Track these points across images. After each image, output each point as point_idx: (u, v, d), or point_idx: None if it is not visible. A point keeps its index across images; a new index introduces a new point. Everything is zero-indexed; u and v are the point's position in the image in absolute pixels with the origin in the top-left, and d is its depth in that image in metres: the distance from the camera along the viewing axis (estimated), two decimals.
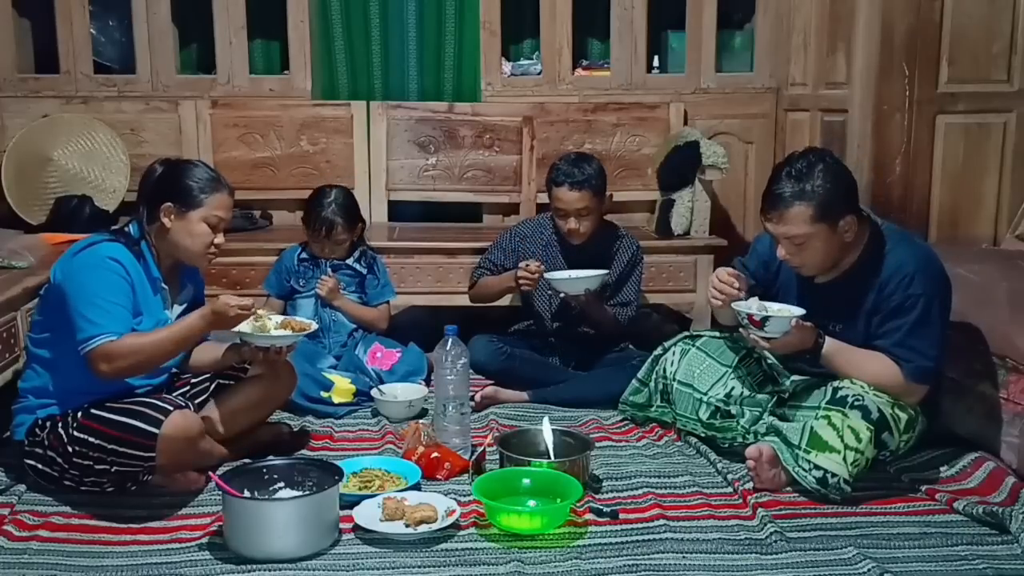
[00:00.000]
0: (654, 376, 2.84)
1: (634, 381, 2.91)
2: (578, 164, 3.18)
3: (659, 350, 2.86)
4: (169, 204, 2.40)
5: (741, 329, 2.47)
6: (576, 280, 3.07)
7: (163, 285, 2.45)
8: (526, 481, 2.33)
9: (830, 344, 2.44)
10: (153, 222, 2.42)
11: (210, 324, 2.37)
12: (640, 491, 2.42)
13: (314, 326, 2.62)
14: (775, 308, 2.44)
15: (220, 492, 2.09)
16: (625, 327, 3.32)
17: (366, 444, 2.79)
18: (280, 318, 2.59)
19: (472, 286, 3.42)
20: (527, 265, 3.13)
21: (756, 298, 2.47)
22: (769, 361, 2.69)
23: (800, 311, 2.41)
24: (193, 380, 2.60)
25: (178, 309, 2.51)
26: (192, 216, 2.40)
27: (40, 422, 2.35)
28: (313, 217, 3.31)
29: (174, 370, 2.58)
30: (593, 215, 3.21)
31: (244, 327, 2.44)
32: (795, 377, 2.67)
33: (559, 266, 3.31)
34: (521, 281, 3.14)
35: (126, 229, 2.45)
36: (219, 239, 2.45)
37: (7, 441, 2.49)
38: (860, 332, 2.47)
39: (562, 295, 3.13)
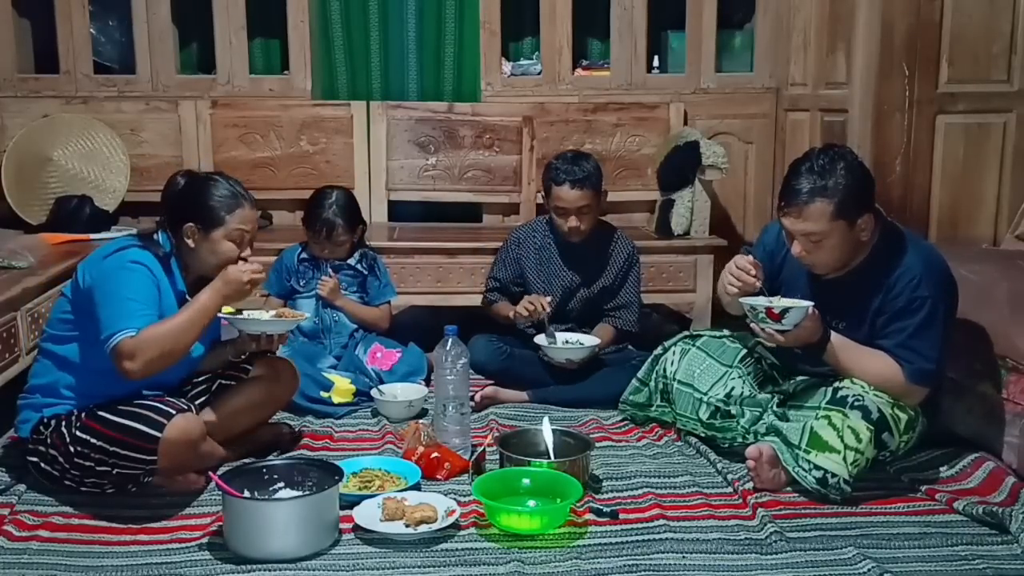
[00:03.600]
0: (654, 376, 2.84)
1: (634, 381, 2.91)
2: (577, 162, 3.21)
3: (659, 350, 2.86)
4: (191, 224, 2.39)
5: (750, 323, 2.46)
6: (560, 349, 3.10)
7: (187, 298, 2.43)
8: (526, 481, 2.33)
9: (835, 338, 2.44)
10: (178, 239, 2.42)
11: (224, 296, 2.34)
12: (640, 491, 2.42)
13: (305, 315, 2.63)
14: (777, 301, 2.43)
15: (220, 492, 2.09)
16: (634, 329, 3.33)
17: (366, 444, 2.79)
18: (274, 311, 2.60)
19: (487, 308, 3.42)
20: (531, 300, 3.14)
21: (779, 296, 2.47)
22: (769, 361, 2.69)
23: (809, 303, 2.40)
24: (194, 380, 2.59)
25: None
26: (215, 236, 2.38)
27: (45, 420, 2.35)
28: (313, 218, 3.30)
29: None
30: (593, 212, 3.23)
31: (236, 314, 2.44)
32: (796, 377, 2.67)
33: (555, 268, 3.32)
34: (521, 313, 3.15)
35: (155, 237, 2.44)
36: (246, 253, 2.42)
37: (9, 440, 2.48)
38: (864, 331, 2.47)
39: (546, 359, 3.14)
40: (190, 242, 2.39)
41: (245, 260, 2.42)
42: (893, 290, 2.40)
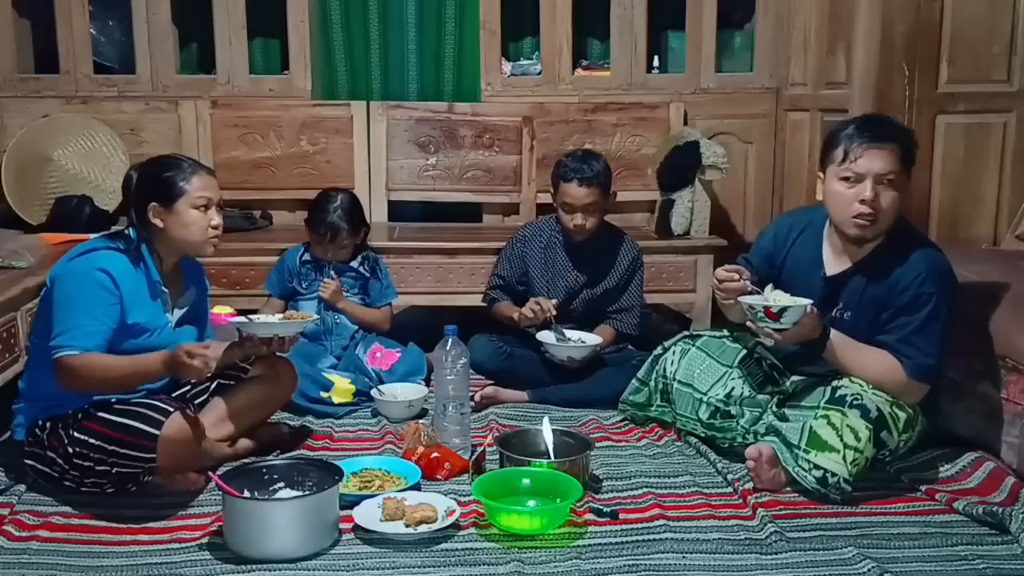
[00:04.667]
0: (654, 375, 2.84)
1: (634, 381, 2.91)
2: (586, 160, 3.25)
3: (659, 349, 2.86)
4: (154, 204, 2.40)
5: (749, 322, 2.45)
6: (562, 347, 3.11)
7: (163, 288, 2.44)
8: (526, 481, 2.33)
9: (834, 336, 2.44)
10: (146, 226, 2.42)
11: (169, 369, 2.29)
12: (640, 491, 2.42)
13: (314, 316, 2.63)
14: (775, 296, 2.42)
15: (220, 492, 2.09)
16: (635, 333, 3.34)
17: (366, 444, 2.78)
18: (279, 314, 2.60)
19: (488, 305, 3.42)
20: (538, 302, 3.15)
21: (771, 286, 2.46)
22: (769, 361, 2.69)
23: (807, 300, 2.40)
24: (194, 380, 2.59)
25: (179, 312, 2.50)
26: (178, 207, 2.39)
27: (40, 423, 2.35)
28: (317, 222, 3.30)
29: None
30: (599, 211, 3.25)
31: (244, 319, 2.44)
32: (795, 377, 2.67)
33: (560, 267, 3.32)
34: (526, 315, 3.15)
35: (126, 232, 2.45)
36: (215, 220, 2.43)
37: (7, 441, 2.49)
38: (867, 324, 2.47)
39: (548, 356, 3.15)
40: (158, 222, 2.40)
41: (216, 228, 2.43)
42: (899, 284, 2.41)
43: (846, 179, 2.39)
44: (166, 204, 2.39)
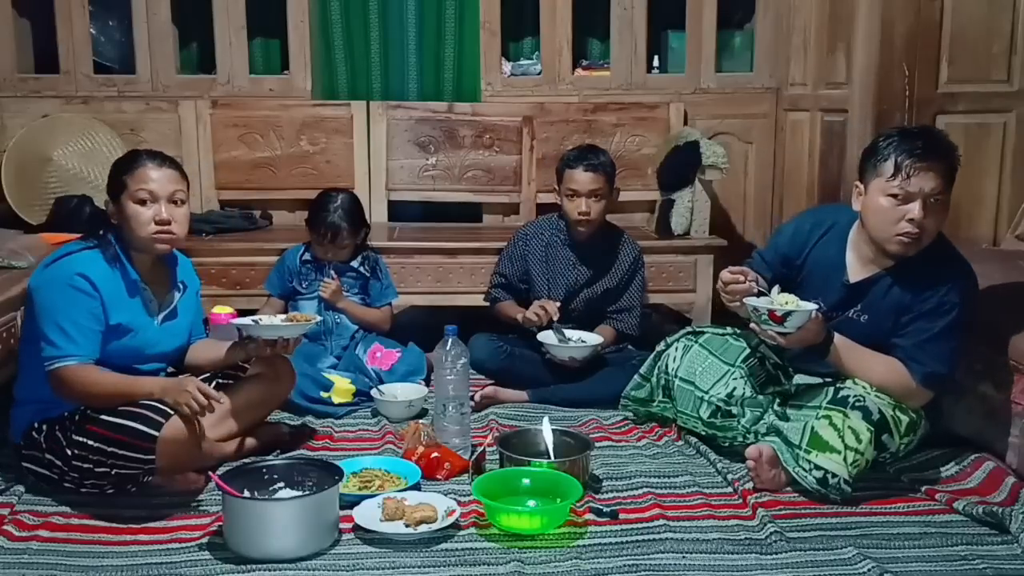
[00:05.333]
0: (656, 371, 2.84)
1: (636, 376, 2.91)
2: (592, 150, 3.35)
3: (662, 345, 2.86)
4: (107, 199, 2.42)
5: (752, 325, 2.44)
6: (563, 347, 3.11)
7: (143, 286, 2.43)
8: (526, 481, 2.33)
9: (839, 340, 2.43)
10: (113, 225, 2.43)
11: (164, 392, 2.29)
12: (640, 491, 2.42)
13: (318, 318, 2.64)
14: (781, 300, 2.41)
15: (220, 492, 2.09)
16: (635, 333, 3.34)
17: (366, 444, 2.78)
18: (282, 315, 2.61)
19: (491, 304, 3.43)
20: (543, 305, 3.17)
21: (777, 288, 2.44)
22: (772, 361, 2.69)
23: (813, 305, 2.39)
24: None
25: (166, 310, 2.49)
26: (123, 202, 2.38)
27: (36, 425, 2.34)
28: (318, 222, 3.29)
29: (170, 369, 2.57)
30: (604, 201, 3.28)
31: (248, 321, 2.43)
32: (798, 377, 2.66)
33: (561, 266, 3.33)
34: (530, 318, 3.16)
35: (102, 231, 2.44)
36: (163, 214, 2.36)
37: (6, 441, 2.49)
38: (886, 326, 2.46)
39: (549, 356, 3.15)
40: (114, 220, 2.41)
41: (165, 223, 2.36)
42: (925, 292, 2.40)
43: (894, 196, 2.34)
44: (114, 199, 2.40)
